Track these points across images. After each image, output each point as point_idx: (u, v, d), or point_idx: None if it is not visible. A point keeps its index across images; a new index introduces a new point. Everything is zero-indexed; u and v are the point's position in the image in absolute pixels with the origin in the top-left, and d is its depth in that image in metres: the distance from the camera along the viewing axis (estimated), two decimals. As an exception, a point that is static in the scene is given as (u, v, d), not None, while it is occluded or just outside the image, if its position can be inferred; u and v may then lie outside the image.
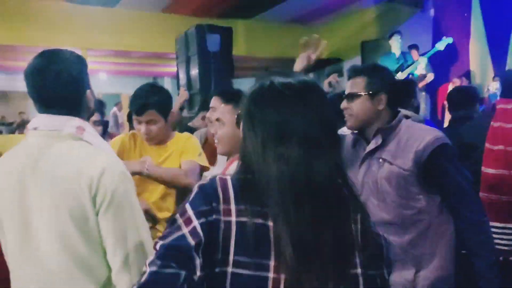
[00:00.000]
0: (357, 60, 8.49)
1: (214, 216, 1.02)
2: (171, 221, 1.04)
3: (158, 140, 2.43)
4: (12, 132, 12.10)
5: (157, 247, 1.00)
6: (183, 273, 0.95)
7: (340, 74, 9.58)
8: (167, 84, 16.13)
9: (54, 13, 7.36)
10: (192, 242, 0.98)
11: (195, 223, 1.00)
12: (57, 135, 1.44)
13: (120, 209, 1.39)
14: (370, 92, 2.00)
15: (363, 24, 8.31)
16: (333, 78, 3.10)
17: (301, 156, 1.03)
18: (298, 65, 2.17)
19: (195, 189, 1.07)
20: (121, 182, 1.40)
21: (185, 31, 6.49)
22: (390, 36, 7.11)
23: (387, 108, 2.02)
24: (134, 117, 2.39)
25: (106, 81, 15.83)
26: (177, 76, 6.96)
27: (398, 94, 2.11)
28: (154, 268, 0.96)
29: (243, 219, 1.01)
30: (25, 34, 7.27)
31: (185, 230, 1.00)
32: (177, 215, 1.03)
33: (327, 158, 1.05)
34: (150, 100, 2.32)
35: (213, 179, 1.07)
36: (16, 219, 1.42)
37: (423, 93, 7.03)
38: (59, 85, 1.45)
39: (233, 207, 1.02)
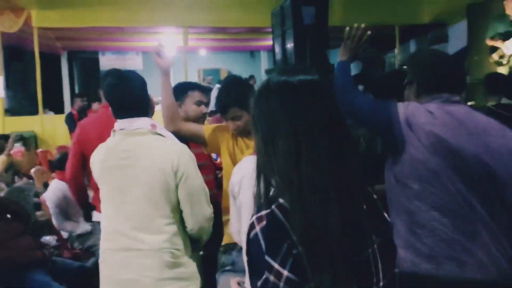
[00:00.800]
0: (462, 25, 7.92)
1: (294, 251, 1.01)
2: (264, 282, 1.04)
3: (247, 132, 2.48)
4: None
5: None
6: None
7: (445, 39, 9.06)
8: (264, 58, 16.30)
9: (157, -6, 7.74)
10: None
11: (285, 273, 1.01)
12: (139, 132, 2.02)
13: (191, 180, 2.01)
14: (406, 82, 1.96)
15: (470, -15, 7.70)
16: None
17: (292, 150, 1.05)
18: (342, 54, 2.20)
19: (259, 234, 1.05)
20: (191, 161, 2.03)
21: (280, 4, 6.48)
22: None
23: (417, 98, 1.91)
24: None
25: (205, 57, 16.36)
26: (273, 50, 7.00)
27: (432, 81, 1.89)
28: None
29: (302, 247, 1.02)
30: (129, 16, 7.76)
31: (282, 284, 1.01)
32: (266, 273, 1.03)
33: (318, 152, 1.05)
34: (229, 99, 2.41)
35: (272, 213, 1.05)
36: (115, 188, 2.02)
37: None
38: (133, 95, 2.03)
39: (301, 233, 1.02)
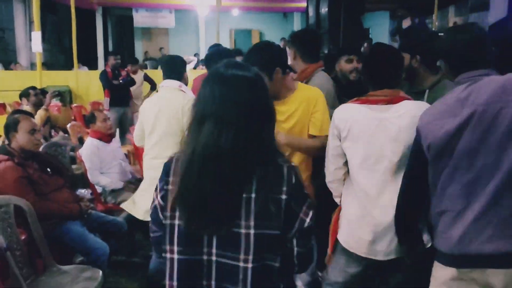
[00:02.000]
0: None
1: (165, 187, 1.47)
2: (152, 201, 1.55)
3: (272, 97, 2.45)
4: (155, 67, 13.11)
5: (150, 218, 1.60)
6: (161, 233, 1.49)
7: (485, 7, 8.72)
8: (297, 20, 16.05)
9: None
10: (159, 210, 1.50)
11: (159, 197, 1.50)
12: (172, 89, 3.15)
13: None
14: None
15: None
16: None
17: (212, 132, 1.33)
18: None
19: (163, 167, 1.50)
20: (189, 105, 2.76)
21: (316, -34, 6.37)
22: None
23: None
24: None
25: (237, 17, 16.18)
26: (306, 13, 6.93)
27: None
28: (151, 234, 1.62)
29: (171, 186, 1.44)
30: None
31: (156, 202, 1.52)
32: (154, 190, 1.52)
33: (235, 135, 1.32)
34: (250, 61, 2.36)
35: (172, 158, 1.48)
36: (153, 126, 3.09)
37: None
38: (173, 67, 3.23)
39: (175, 179, 1.42)
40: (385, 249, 2.15)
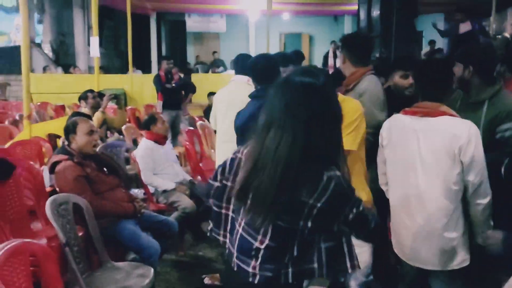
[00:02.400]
0: None
1: (237, 155, 1.65)
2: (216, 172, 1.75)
3: None
4: (206, 71, 13.33)
5: None
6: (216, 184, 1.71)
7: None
8: (348, 23, 15.88)
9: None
10: (221, 170, 1.68)
11: (230, 156, 1.67)
12: (241, 83, 3.58)
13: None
14: None
15: None
16: None
17: (274, 137, 1.45)
18: None
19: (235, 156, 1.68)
20: None
21: (368, -31, 6.29)
22: None
23: None
24: None
25: (288, 21, 16.20)
26: (357, 16, 6.85)
27: None
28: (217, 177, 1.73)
29: (243, 157, 1.60)
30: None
31: (226, 160, 1.67)
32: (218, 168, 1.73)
33: (292, 143, 1.43)
34: None
35: (243, 148, 1.63)
36: (225, 114, 3.60)
37: None
38: (244, 66, 3.43)
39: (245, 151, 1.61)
40: (411, 254, 2.27)
